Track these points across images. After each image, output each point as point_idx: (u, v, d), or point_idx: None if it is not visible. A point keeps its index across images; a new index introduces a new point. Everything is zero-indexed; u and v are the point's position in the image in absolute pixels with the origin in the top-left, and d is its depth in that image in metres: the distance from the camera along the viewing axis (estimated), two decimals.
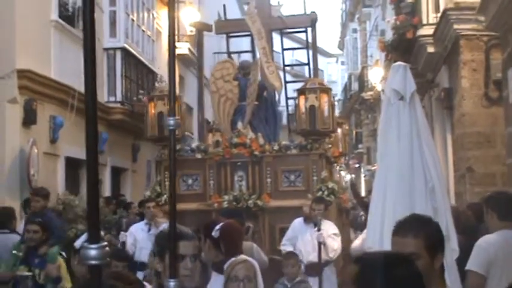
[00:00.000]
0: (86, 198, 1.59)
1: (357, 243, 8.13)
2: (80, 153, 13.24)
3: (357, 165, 37.48)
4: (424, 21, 12.13)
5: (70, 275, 6.67)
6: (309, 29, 13.83)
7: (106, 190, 14.88)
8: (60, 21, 12.48)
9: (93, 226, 1.56)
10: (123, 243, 9.55)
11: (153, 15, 17.53)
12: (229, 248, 5.00)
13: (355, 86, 36.01)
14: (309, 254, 8.97)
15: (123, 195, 14.53)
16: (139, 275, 7.29)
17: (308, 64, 14.51)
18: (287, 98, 14.36)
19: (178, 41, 18.92)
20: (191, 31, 19.30)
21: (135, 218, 11.90)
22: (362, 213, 12.63)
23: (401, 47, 13.28)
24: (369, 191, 15.19)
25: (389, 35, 18.57)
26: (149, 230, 9.66)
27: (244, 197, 10.57)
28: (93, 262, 1.52)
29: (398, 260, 2.49)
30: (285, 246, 9.19)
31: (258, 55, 12.98)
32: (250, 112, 11.62)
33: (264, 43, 12.33)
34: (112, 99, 14.52)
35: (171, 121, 2.72)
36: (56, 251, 7.09)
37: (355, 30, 38.62)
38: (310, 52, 14.37)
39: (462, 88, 10.68)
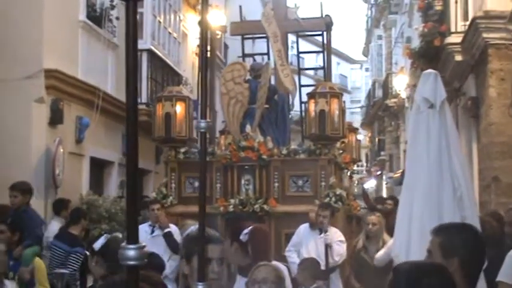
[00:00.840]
0: (126, 200, 1.59)
1: (380, 253, 8.05)
2: (105, 153, 13.34)
3: (379, 173, 37.32)
4: (452, 29, 12.06)
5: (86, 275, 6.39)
6: (325, 33, 13.63)
7: None
8: (88, 21, 12.55)
9: (131, 227, 1.56)
10: None
11: (179, 17, 17.59)
12: (257, 251, 4.99)
13: (379, 92, 35.85)
14: None
15: (147, 197, 14.57)
16: None
17: (324, 68, 14.30)
18: (301, 102, 14.02)
19: None
20: (217, 35, 19.31)
21: None
22: None
23: (429, 55, 13.23)
24: (389, 197, 15.01)
25: (415, 42, 18.49)
26: (152, 232, 9.52)
27: (251, 201, 10.42)
28: (131, 263, 1.53)
29: (431, 269, 2.48)
30: (290, 253, 9.04)
31: (272, 58, 12.86)
32: (260, 115, 11.43)
33: (280, 45, 12.23)
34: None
35: (202, 123, 2.72)
36: (30, 252, 6.75)
37: (380, 37, 38.48)
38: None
39: (489, 97, 10.60)
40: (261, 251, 5.01)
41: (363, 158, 39.19)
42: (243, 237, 4.96)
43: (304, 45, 15.13)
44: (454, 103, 13.96)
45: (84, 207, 11.14)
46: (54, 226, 9.63)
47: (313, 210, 9.20)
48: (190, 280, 3.56)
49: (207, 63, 2.46)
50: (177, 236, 8.94)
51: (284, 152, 10.84)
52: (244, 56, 14.42)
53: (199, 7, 19.80)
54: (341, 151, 11.84)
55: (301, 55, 15.82)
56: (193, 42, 20.05)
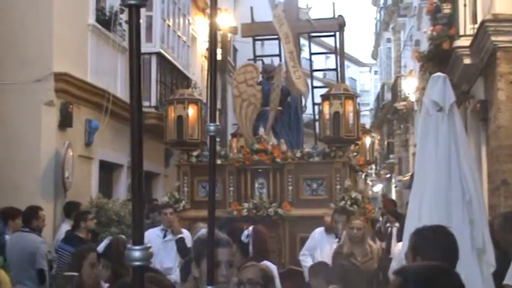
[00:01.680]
0: (132, 202, 1.60)
1: (393, 264, 7.93)
2: (114, 156, 13.37)
3: (388, 176, 37.25)
4: (461, 32, 12.04)
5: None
6: (337, 34, 13.51)
7: None
8: (98, 25, 12.59)
9: (137, 228, 1.58)
10: None
11: (188, 21, 17.61)
12: (259, 251, 4.99)
13: (388, 95, 35.82)
14: None
15: (156, 200, 14.56)
16: None
17: (336, 69, 14.10)
18: (313, 104, 13.87)
19: None
20: (227, 37, 19.32)
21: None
22: (389, 224, 12.46)
23: (437, 58, 13.21)
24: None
25: (424, 46, 18.47)
26: (165, 236, 9.31)
27: (265, 205, 10.30)
28: (137, 263, 1.54)
29: (440, 271, 2.48)
30: (304, 257, 8.92)
31: (284, 59, 12.76)
32: (273, 117, 11.32)
33: (292, 47, 12.13)
34: (146, 103, 14.59)
35: (211, 127, 2.72)
36: None
37: (389, 40, 38.44)
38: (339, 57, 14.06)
39: (498, 100, 10.58)
40: (263, 251, 5.01)
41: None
42: (244, 238, 4.95)
43: (313, 48, 15.00)
44: (463, 106, 13.93)
45: (94, 210, 11.16)
46: (64, 229, 9.67)
47: (328, 214, 9.04)
48: (199, 283, 3.57)
49: (216, 65, 2.46)
50: (189, 242, 8.84)
51: (298, 154, 10.71)
52: (256, 58, 14.30)
53: (208, 10, 19.83)
54: (355, 153, 11.74)
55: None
56: (202, 46, 20.07)
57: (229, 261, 3.66)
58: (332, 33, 13.87)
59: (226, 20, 18.55)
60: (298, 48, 12.93)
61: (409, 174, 23.91)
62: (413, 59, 18.41)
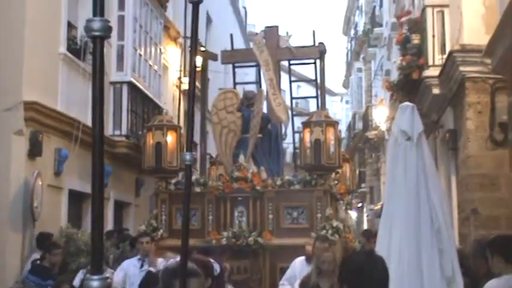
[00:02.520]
0: (90, 231, 1.59)
1: None
2: (84, 186, 13.23)
3: (359, 205, 37.35)
4: (430, 63, 12.16)
5: None
6: (318, 61, 13.52)
7: (108, 224, 14.82)
8: (69, 54, 12.55)
9: (96, 258, 1.56)
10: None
11: (160, 50, 17.63)
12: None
13: (359, 125, 36.04)
14: None
15: (127, 229, 14.45)
16: None
17: (316, 97, 14.11)
18: (294, 132, 13.88)
19: (184, 76, 18.99)
20: (198, 67, 19.35)
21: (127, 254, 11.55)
22: None
23: (407, 87, 13.32)
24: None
25: (394, 75, 18.63)
26: (142, 266, 9.22)
27: (244, 234, 10.19)
28: None
29: None
30: (283, 287, 8.76)
31: (263, 86, 12.74)
32: (253, 145, 11.27)
33: (272, 74, 12.12)
34: (117, 132, 14.53)
35: (187, 156, 2.73)
36: None
37: (360, 70, 38.79)
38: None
39: (467, 130, 10.68)
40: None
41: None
42: (216, 272, 4.93)
43: (285, 76, 15.07)
44: (432, 136, 14.04)
45: (63, 240, 11.04)
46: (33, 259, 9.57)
47: (309, 243, 8.84)
48: None
49: (194, 98, 2.47)
50: None
51: (278, 182, 10.63)
52: (236, 84, 14.32)
53: (180, 40, 19.86)
54: (336, 181, 11.67)
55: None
56: (173, 75, 20.08)
57: None
58: (313, 61, 13.90)
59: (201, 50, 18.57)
60: (278, 76, 12.92)
61: (381, 203, 23.97)
62: (383, 88, 18.53)
